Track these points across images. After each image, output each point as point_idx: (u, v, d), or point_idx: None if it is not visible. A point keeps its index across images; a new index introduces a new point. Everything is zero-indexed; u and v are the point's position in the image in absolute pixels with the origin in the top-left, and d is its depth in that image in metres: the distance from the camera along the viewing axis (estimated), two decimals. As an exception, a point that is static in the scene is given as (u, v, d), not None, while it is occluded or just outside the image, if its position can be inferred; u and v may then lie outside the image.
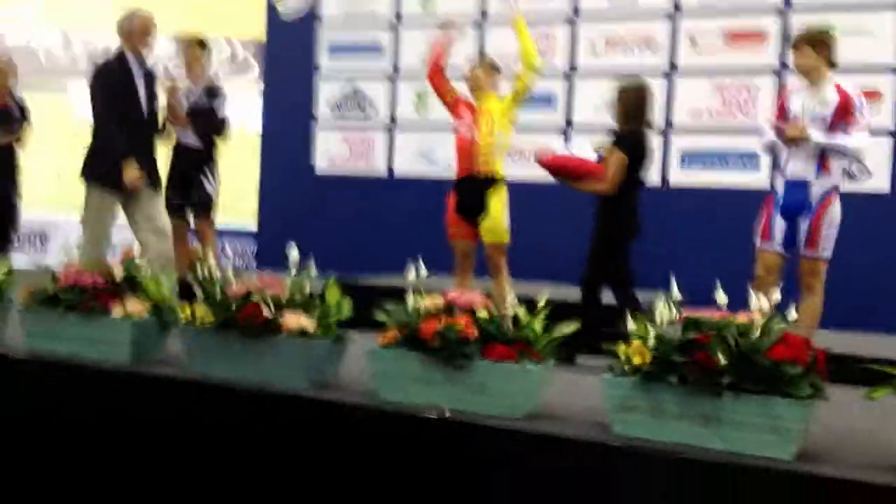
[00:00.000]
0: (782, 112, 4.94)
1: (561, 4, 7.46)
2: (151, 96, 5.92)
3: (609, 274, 5.20)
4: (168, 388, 4.41)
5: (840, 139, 4.76)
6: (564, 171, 5.35)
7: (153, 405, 4.41)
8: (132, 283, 4.77)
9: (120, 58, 5.81)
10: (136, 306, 4.65)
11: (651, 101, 5.37)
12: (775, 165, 5.04)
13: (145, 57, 5.89)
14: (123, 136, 5.68)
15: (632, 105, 5.25)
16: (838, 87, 4.81)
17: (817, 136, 4.75)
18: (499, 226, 5.68)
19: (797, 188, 4.85)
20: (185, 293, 5.19)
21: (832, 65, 4.87)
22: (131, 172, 5.66)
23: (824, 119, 4.77)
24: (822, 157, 4.80)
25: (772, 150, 5.03)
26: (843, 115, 4.76)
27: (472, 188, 5.62)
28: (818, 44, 4.83)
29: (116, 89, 5.74)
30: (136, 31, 5.81)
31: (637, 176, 5.26)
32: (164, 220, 5.95)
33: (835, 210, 4.83)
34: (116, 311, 4.63)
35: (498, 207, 5.66)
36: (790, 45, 4.96)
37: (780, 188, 4.93)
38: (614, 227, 5.21)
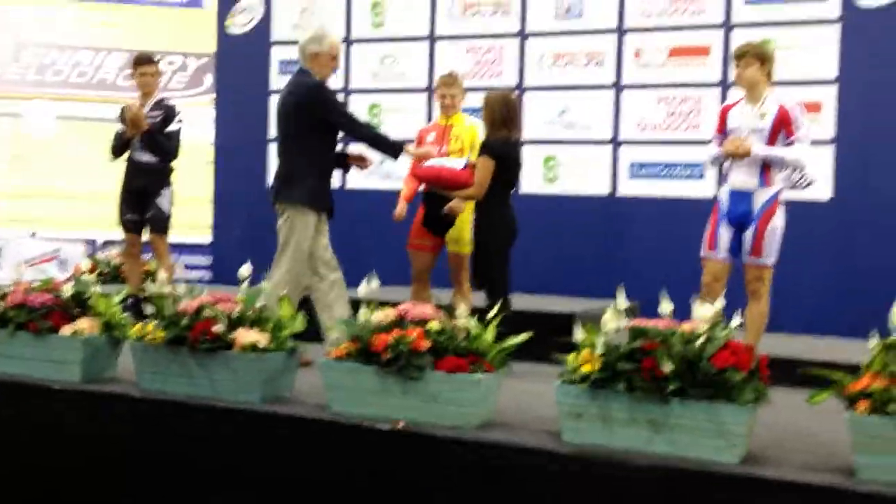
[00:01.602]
0: (723, 124, 5.06)
1: (511, 22, 7.55)
2: None
3: (487, 277, 5.28)
4: (120, 406, 4.39)
5: (780, 151, 4.89)
6: (437, 180, 5.43)
7: (105, 423, 4.39)
8: (82, 301, 4.74)
9: (322, 85, 5.29)
10: (86, 324, 4.62)
11: (518, 109, 5.48)
12: (720, 175, 5.15)
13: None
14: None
15: (498, 113, 5.36)
16: (777, 100, 4.94)
17: (757, 148, 4.87)
18: (463, 237, 5.74)
19: (741, 198, 4.97)
20: (139, 310, 5.18)
21: (771, 78, 5.00)
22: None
23: (763, 131, 4.90)
24: (765, 167, 4.92)
25: (719, 163, 5.14)
26: (781, 127, 4.88)
27: (440, 201, 5.68)
28: (758, 57, 4.95)
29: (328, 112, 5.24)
30: (327, 54, 5.29)
31: (507, 181, 5.36)
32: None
33: (778, 218, 4.95)
34: (66, 330, 4.60)
35: (464, 221, 5.73)
36: (732, 58, 5.07)
37: (724, 198, 5.04)
38: (491, 232, 5.30)
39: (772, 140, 4.89)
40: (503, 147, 5.35)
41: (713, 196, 5.19)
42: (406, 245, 5.87)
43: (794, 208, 6.33)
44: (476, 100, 7.44)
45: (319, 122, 5.18)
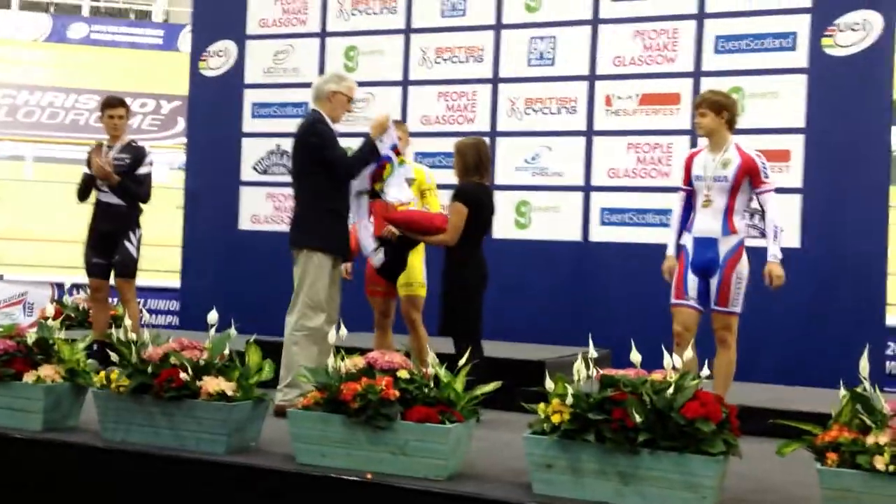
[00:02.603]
0: (688, 174, 5.11)
1: (485, 68, 7.61)
2: None
3: (458, 324, 5.26)
4: (82, 455, 4.30)
5: (773, 229, 4.98)
6: (412, 224, 5.43)
7: (66, 473, 4.29)
8: (45, 348, 4.66)
9: (324, 121, 5.27)
10: (48, 371, 4.54)
11: (488, 155, 5.53)
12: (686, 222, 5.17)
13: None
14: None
15: (470, 158, 5.40)
16: (739, 148, 4.99)
17: (776, 252, 4.97)
18: (414, 279, 5.73)
19: (705, 245, 4.99)
20: (105, 356, 5.09)
21: (733, 126, 5.06)
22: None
23: (726, 180, 4.94)
24: (728, 214, 4.96)
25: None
26: (745, 176, 4.93)
27: (390, 246, 5.66)
28: (718, 106, 5.02)
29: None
30: (344, 95, 5.32)
31: (479, 226, 5.37)
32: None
33: (743, 265, 4.97)
34: (28, 377, 4.51)
35: (414, 263, 5.71)
36: (692, 106, 5.14)
37: (689, 245, 5.06)
38: (461, 278, 5.30)
39: (735, 188, 4.93)
40: (477, 192, 5.36)
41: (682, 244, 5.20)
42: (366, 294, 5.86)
43: (761, 256, 6.43)
44: (446, 144, 7.56)
45: (322, 160, 5.16)
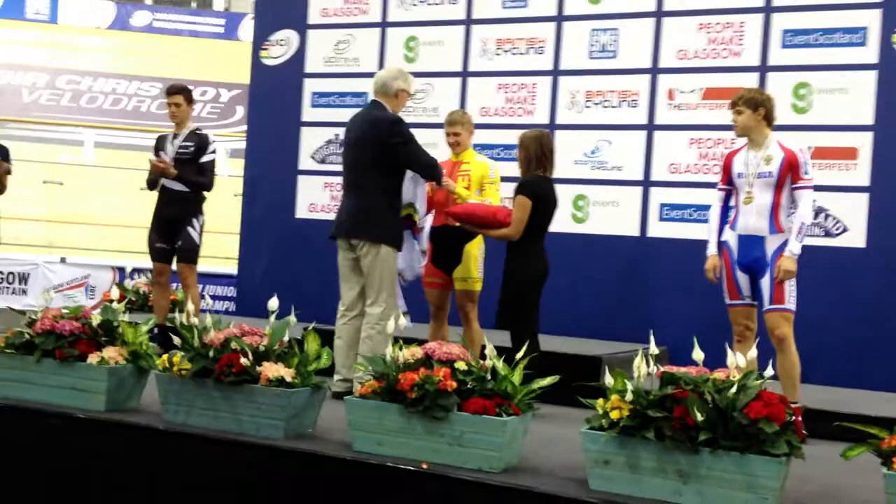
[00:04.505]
0: (727, 173, 5.05)
1: (545, 60, 7.56)
2: None
3: (516, 317, 5.23)
4: (144, 437, 4.37)
5: (800, 227, 4.82)
6: (473, 218, 5.42)
7: (128, 454, 4.37)
8: (109, 330, 4.74)
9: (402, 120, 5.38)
10: (112, 353, 4.62)
11: (552, 148, 5.46)
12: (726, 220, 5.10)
13: None
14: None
15: (533, 152, 5.36)
16: (781, 145, 4.93)
17: (795, 248, 4.81)
18: (470, 274, 5.72)
19: (752, 244, 4.92)
20: (166, 339, 5.17)
21: (771, 122, 4.98)
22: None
23: (770, 175, 4.87)
24: (774, 212, 4.88)
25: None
26: (789, 172, 4.86)
27: (447, 238, 5.65)
28: (754, 103, 4.96)
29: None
30: (408, 93, 5.47)
31: (542, 220, 5.33)
32: None
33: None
34: (92, 358, 4.59)
35: (471, 256, 5.71)
36: (729, 105, 5.08)
37: (733, 243, 4.98)
38: (523, 271, 5.27)
39: (780, 184, 4.87)
40: (540, 186, 5.34)
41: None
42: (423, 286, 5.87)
43: (828, 255, 6.31)
44: (505, 137, 7.53)
45: (398, 158, 5.24)
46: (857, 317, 6.39)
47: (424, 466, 3.83)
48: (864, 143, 6.53)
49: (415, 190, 5.40)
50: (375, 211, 5.23)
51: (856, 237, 6.48)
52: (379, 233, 5.21)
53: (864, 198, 6.49)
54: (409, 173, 5.35)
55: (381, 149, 5.22)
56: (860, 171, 6.52)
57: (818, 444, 4.04)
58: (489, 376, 3.97)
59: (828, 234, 6.51)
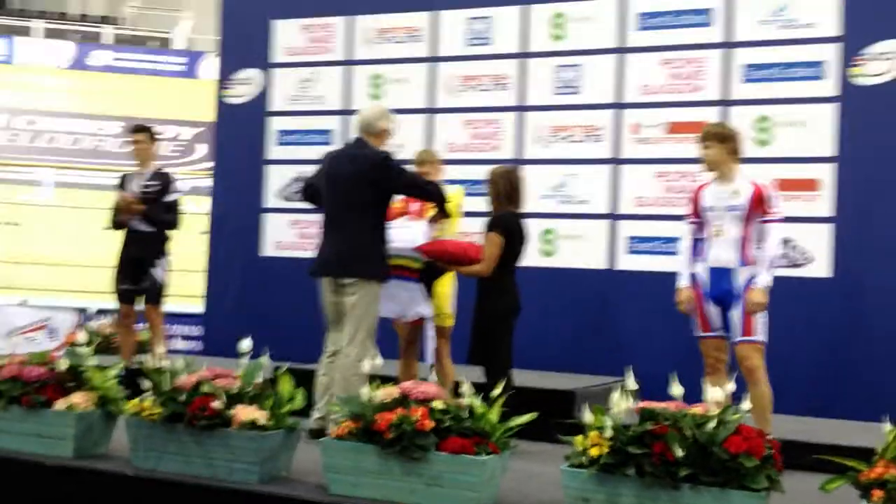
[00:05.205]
0: (696, 204, 5.12)
1: (510, 96, 7.62)
2: None
3: (489, 353, 5.23)
4: (113, 484, 4.28)
5: (768, 258, 4.90)
6: (445, 254, 5.42)
7: (97, 501, 4.27)
8: (76, 375, 4.65)
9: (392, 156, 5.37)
10: (80, 399, 4.53)
11: (521, 184, 5.49)
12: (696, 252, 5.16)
13: None
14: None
15: (503, 188, 5.39)
16: (748, 179, 5.02)
17: (763, 283, 4.87)
18: (442, 310, 5.70)
19: (722, 276, 4.98)
20: (132, 382, 5.08)
21: (738, 155, 5.05)
22: None
23: (739, 209, 4.94)
24: (743, 245, 4.94)
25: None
26: (757, 206, 4.93)
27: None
28: (722, 137, 5.04)
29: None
30: (387, 133, 5.44)
31: (513, 255, 5.35)
32: None
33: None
34: (60, 404, 4.50)
35: (443, 292, 5.69)
36: (697, 139, 5.15)
37: (703, 276, 5.04)
38: (495, 306, 5.28)
39: (748, 217, 4.94)
40: (511, 222, 5.35)
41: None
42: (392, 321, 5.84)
43: (793, 286, 6.37)
44: (472, 172, 7.55)
45: (387, 193, 5.27)
46: (824, 346, 6.46)
47: (403, 508, 3.78)
48: (825, 174, 6.64)
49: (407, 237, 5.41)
50: (364, 248, 5.20)
51: (821, 267, 6.56)
52: (367, 269, 5.17)
53: (828, 228, 6.58)
54: (397, 224, 5.36)
55: (370, 186, 5.20)
56: (823, 202, 6.62)
57: (794, 475, 4.05)
58: (466, 415, 3.94)
59: (794, 264, 6.58)
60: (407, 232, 5.48)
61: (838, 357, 6.43)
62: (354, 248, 5.20)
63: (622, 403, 3.60)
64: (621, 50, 7.31)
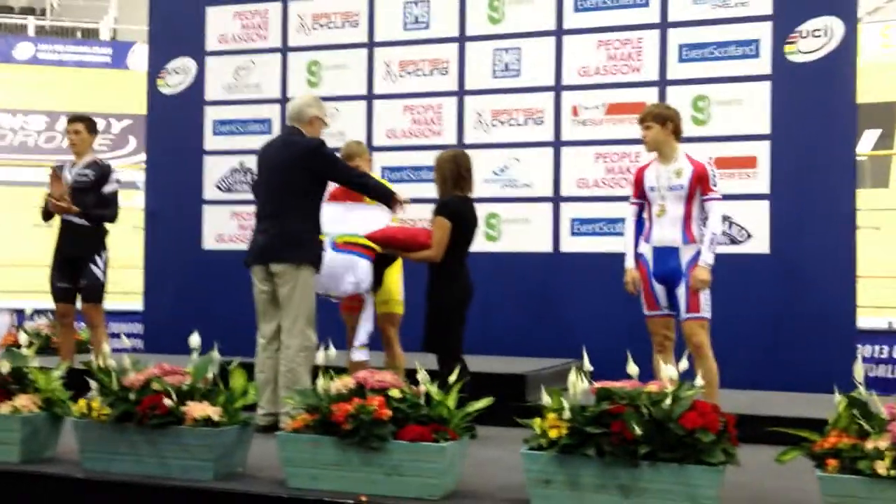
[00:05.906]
0: (639, 185, 5.18)
1: (450, 81, 7.58)
2: None
3: (443, 340, 5.23)
4: (63, 488, 4.17)
5: (711, 236, 4.99)
6: (394, 241, 5.41)
7: (47, 506, 4.16)
8: (20, 377, 4.52)
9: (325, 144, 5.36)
10: (25, 401, 4.41)
11: (469, 168, 5.47)
12: (640, 232, 5.22)
13: None
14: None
15: (449, 172, 5.38)
16: (689, 158, 5.09)
17: (706, 260, 4.96)
18: (390, 297, 5.67)
19: (666, 255, 5.05)
20: (75, 383, 4.95)
21: (679, 135, 5.11)
22: None
23: (681, 188, 5.01)
24: (686, 223, 5.01)
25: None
26: (699, 184, 5.01)
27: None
28: (662, 118, 5.11)
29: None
30: (321, 119, 5.42)
31: (463, 240, 5.35)
32: None
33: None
34: (4, 408, 4.37)
35: (391, 280, 5.66)
36: (638, 121, 5.20)
37: (648, 255, 5.11)
38: (447, 293, 5.28)
39: (690, 196, 5.02)
40: (459, 206, 5.33)
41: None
42: (339, 308, 5.79)
43: (734, 262, 6.48)
44: (413, 158, 7.52)
45: (321, 180, 5.24)
46: (764, 321, 6.58)
47: (363, 499, 3.76)
48: (762, 151, 6.75)
49: (346, 215, 5.36)
50: (296, 234, 5.16)
51: (760, 244, 6.68)
52: (301, 254, 5.13)
53: (765, 205, 6.69)
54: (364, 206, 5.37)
55: (302, 173, 5.16)
56: (760, 180, 6.73)
57: (746, 448, 4.12)
58: (423, 402, 3.93)
59: (733, 241, 6.69)
60: (372, 214, 5.45)
61: (777, 331, 6.55)
62: (286, 234, 5.16)
63: (578, 384, 3.61)
64: (559, 32, 7.32)
